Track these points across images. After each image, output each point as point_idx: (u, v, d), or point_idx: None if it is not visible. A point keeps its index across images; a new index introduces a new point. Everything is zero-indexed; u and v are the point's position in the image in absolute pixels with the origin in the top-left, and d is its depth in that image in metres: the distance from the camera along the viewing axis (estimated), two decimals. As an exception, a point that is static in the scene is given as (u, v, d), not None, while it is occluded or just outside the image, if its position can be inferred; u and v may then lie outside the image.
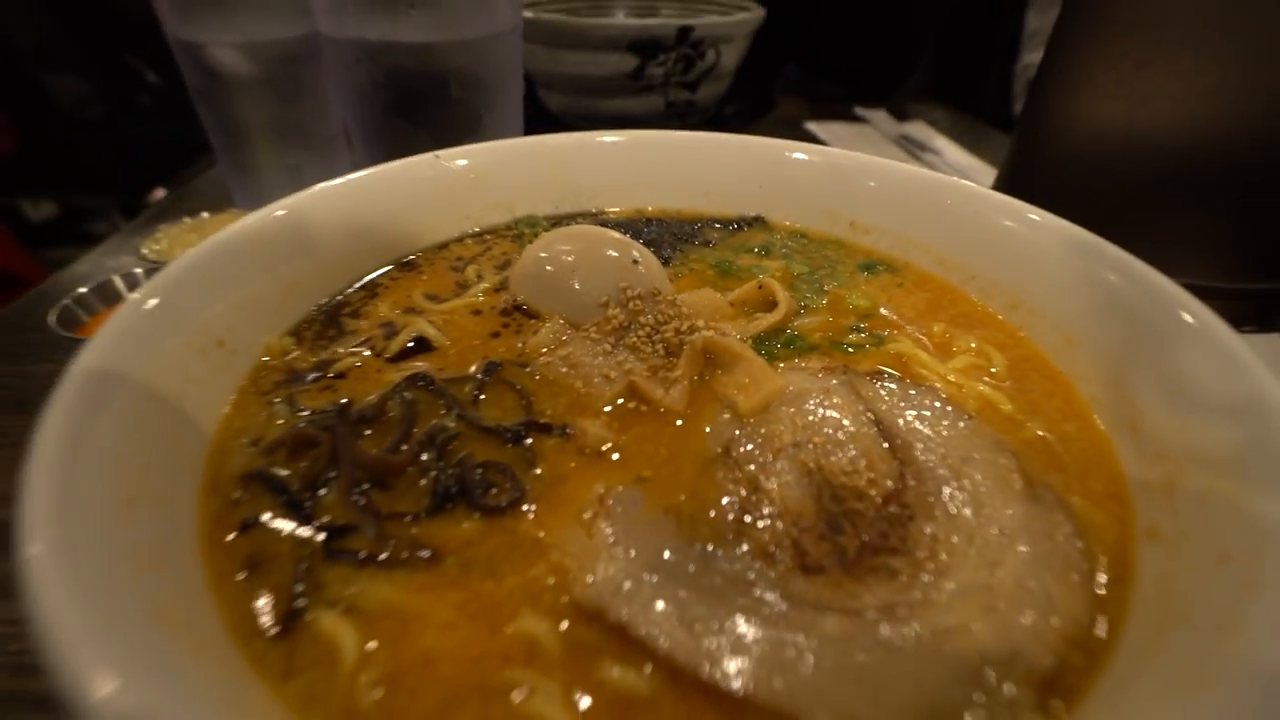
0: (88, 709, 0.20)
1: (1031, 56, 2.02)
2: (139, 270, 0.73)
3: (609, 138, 0.65)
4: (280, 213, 0.50)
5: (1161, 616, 0.29)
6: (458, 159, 0.61)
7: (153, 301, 0.40)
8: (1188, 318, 0.39)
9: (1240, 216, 0.69)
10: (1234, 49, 0.62)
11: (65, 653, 0.21)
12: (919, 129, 1.43)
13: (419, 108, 0.73)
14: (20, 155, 2.22)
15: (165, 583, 0.29)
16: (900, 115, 1.52)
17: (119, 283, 0.73)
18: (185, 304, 0.41)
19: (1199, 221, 0.72)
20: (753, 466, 0.38)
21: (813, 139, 1.40)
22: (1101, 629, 0.30)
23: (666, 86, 1.10)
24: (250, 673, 0.28)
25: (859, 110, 1.53)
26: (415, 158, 0.60)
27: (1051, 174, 0.83)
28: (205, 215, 0.88)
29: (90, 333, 0.67)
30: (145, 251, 0.81)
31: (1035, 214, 0.51)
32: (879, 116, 1.49)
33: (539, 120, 1.05)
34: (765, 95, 1.38)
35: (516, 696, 0.28)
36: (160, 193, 2.86)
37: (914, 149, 1.32)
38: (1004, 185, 0.91)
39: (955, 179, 0.57)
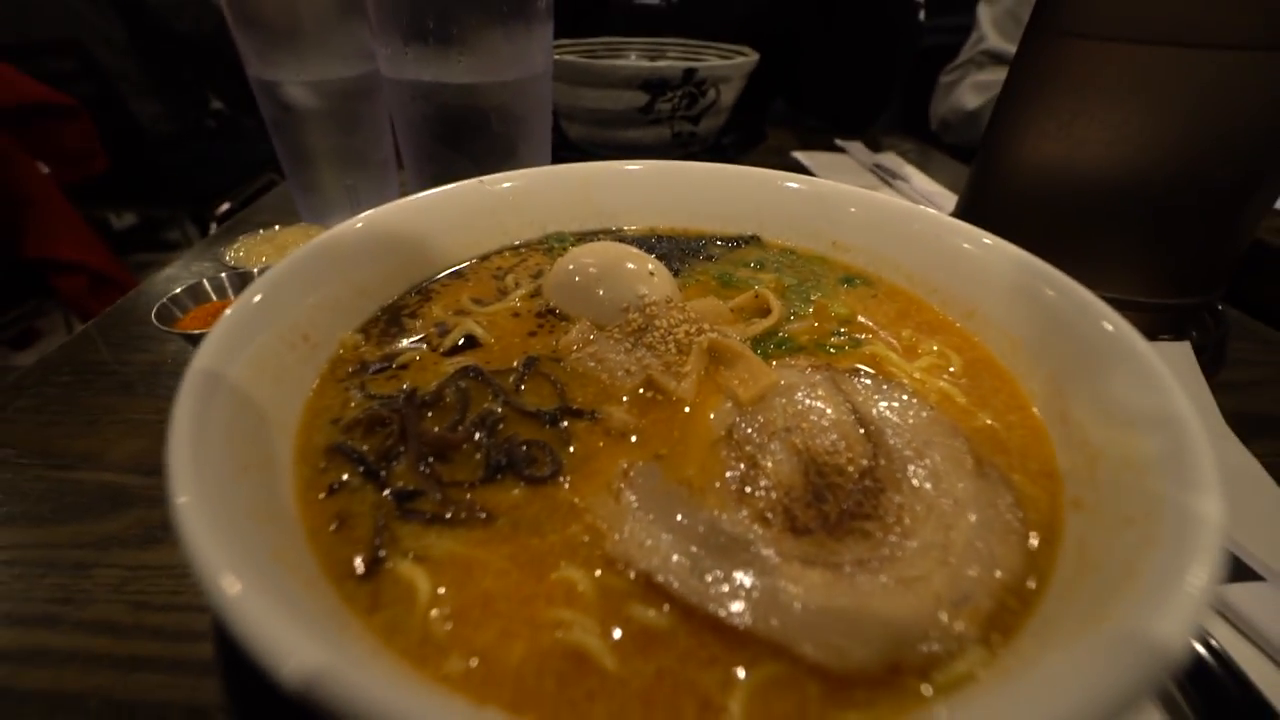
0: (226, 602, 0.23)
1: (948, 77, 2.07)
2: (223, 275, 0.75)
3: (629, 166, 0.67)
4: (358, 225, 0.52)
5: (1079, 568, 0.31)
6: (500, 183, 0.63)
7: (257, 298, 0.42)
8: (1108, 326, 0.41)
9: (1156, 241, 0.72)
10: (1148, 103, 0.65)
11: (208, 567, 0.24)
12: (890, 159, 1.44)
13: (464, 138, 0.75)
14: (109, 172, 2.25)
15: (276, 532, 0.32)
16: (874, 146, 1.54)
17: (207, 285, 0.75)
18: (280, 303, 0.44)
19: (1124, 244, 0.74)
20: (750, 447, 0.40)
21: (799, 166, 1.41)
22: (1033, 581, 0.32)
23: (673, 119, 1.12)
24: (344, 608, 0.31)
25: (838, 141, 1.55)
26: (464, 182, 0.62)
27: (1003, 202, 0.85)
28: (277, 228, 0.90)
29: (184, 327, 0.70)
30: (227, 258, 0.83)
31: (987, 238, 0.53)
32: (856, 147, 1.51)
33: (561, 147, 1.07)
34: (758, 128, 1.40)
35: (560, 630, 0.30)
36: (224, 205, 2.90)
37: (886, 176, 1.34)
38: (962, 211, 0.93)
39: (922, 208, 0.59)
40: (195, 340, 0.68)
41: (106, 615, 0.49)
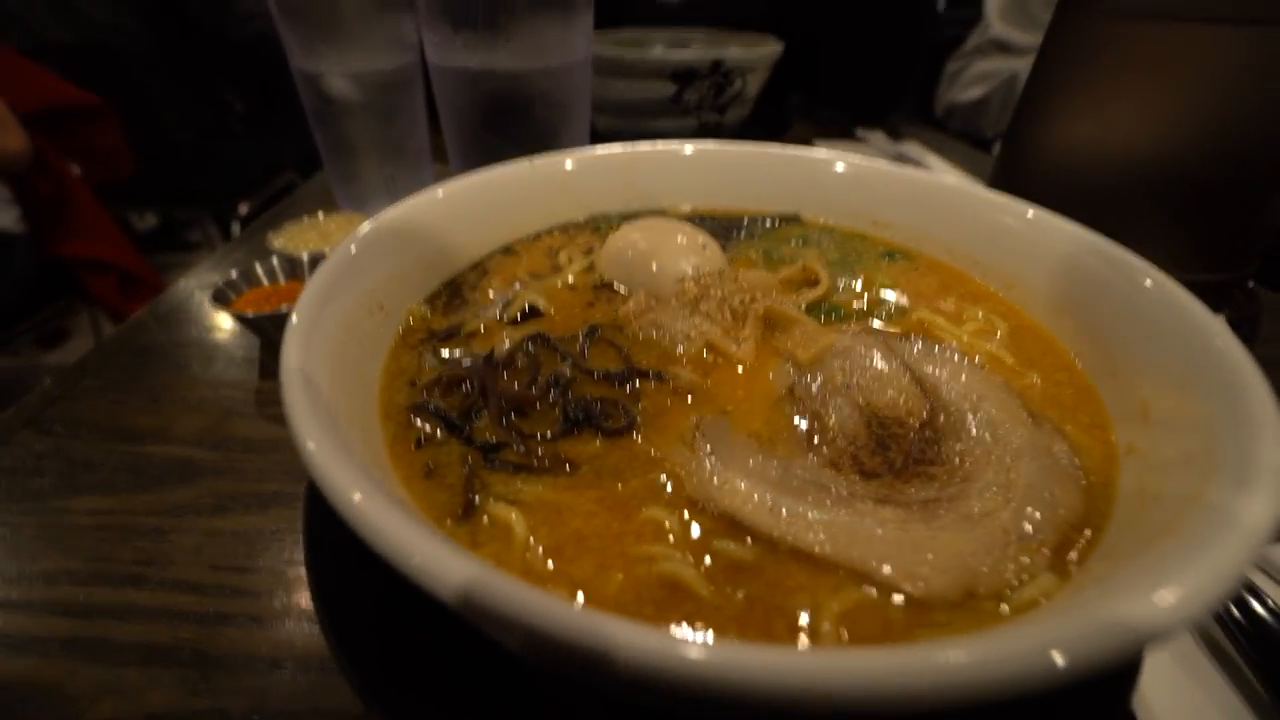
0: (374, 523, 0.25)
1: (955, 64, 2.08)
2: (274, 259, 0.78)
3: (672, 147, 0.69)
4: (437, 194, 0.55)
5: (1139, 503, 0.33)
6: (549, 164, 0.65)
7: (340, 265, 0.44)
8: (1148, 283, 0.43)
9: (1189, 217, 0.73)
10: (1180, 80, 0.66)
11: (339, 490, 0.26)
12: (912, 148, 1.46)
13: (508, 124, 0.77)
14: (134, 174, 2.30)
15: (378, 477, 0.34)
16: (895, 135, 1.56)
17: (259, 269, 0.78)
18: (360, 272, 0.46)
19: (1156, 221, 0.75)
20: (813, 402, 0.42)
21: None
22: (1094, 516, 0.34)
23: (700, 110, 1.14)
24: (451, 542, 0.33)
25: (859, 131, 1.56)
26: (514, 162, 0.64)
27: (1031, 184, 0.86)
28: (320, 215, 0.92)
29: (239, 308, 0.73)
30: (277, 244, 0.85)
31: (1031, 211, 0.55)
32: (877, 137, 1.52)
33: (591, 138, 1.09)
34: (780, 119, 1.42)
35: (653, 563, 0.32)
36: (245, 207, 2.94)
37: (909, 166, 1.36)
38: (994, 185, 0.94)
39: (963, 183, 0.61)
40: (253, 323, 0.70)
41: (187, 576, 0.52)
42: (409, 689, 0.36)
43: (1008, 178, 0.91)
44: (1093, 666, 0.19)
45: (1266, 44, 0.63)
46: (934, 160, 1.39)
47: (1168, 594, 0.22)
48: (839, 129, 1.59)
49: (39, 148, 1.87)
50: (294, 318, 0.37)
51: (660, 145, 0.69)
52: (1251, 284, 0.84)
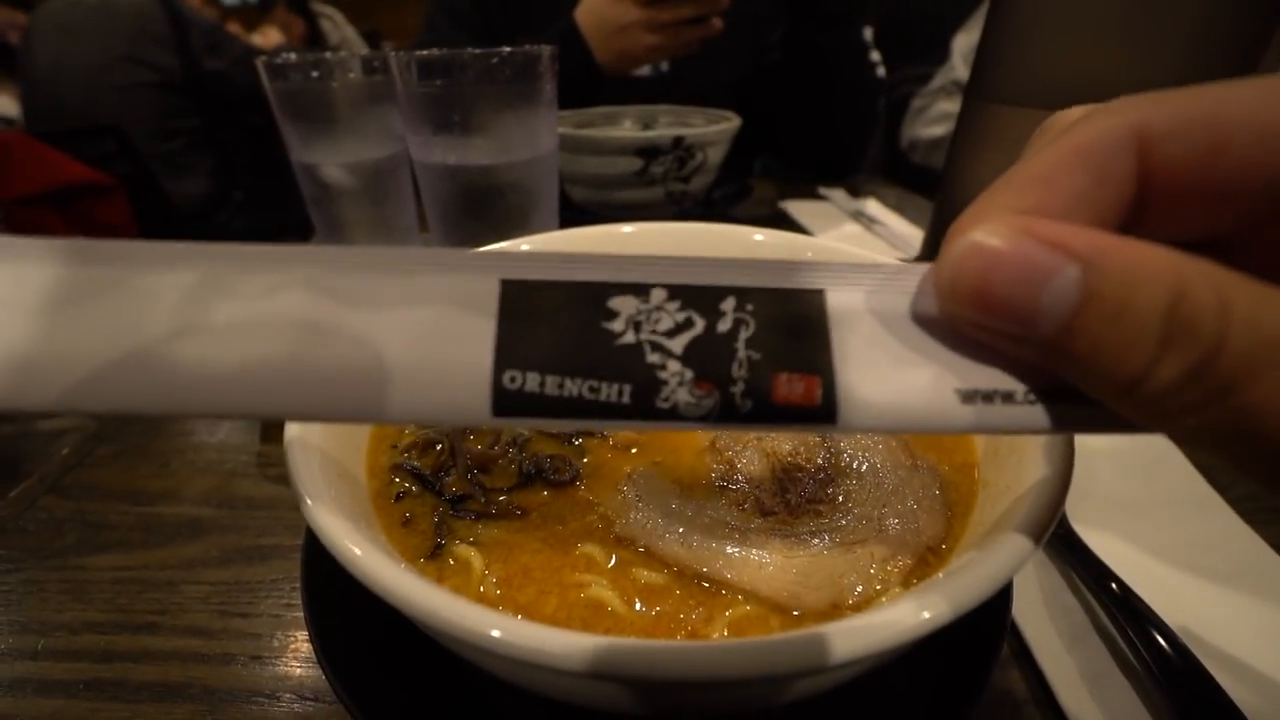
0: (361, 566, 0.33)
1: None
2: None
3: (624, 229, 0.79)
4: None
5: (976, 530, 0.41)
6: (516, 244, 0.75)
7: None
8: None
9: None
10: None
11: (335, 541, 0.34)
12: (871, 205, 1.58)
13: (484, 210, 0.88)
14: (139, 243, 2.42)
15: (364, 527, 0.42)
16: (855, 193, 1.68)
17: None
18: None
19: None
20: (730, 453, 0.50)
21: (786, 215, 1.55)
22: (945, 542, 0.42)
23: (666, 181, 1.26)
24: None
25: (821, 190, 1.69)
26: (490, 246, 0.74)
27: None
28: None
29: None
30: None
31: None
32: (838, 195, 1.65)
33: (566, 208, 1.20)
34: (744, 182, 1.55)
35: (583, 589, 0.40)
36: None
37: (867, 222, 1.48)
38: (927, 246, 1.05)
39: (868, 255, 0.70)
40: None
41: (196, 622, 0.59)
42: (398, 709, 0.44)
43: (939, 231, 1.03)
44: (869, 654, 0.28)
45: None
46: (889, 217, 1.51)
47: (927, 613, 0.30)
48: (802, 188, 1.72)
49: (46, 224, 2.00)
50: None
51: (613, 228, 0.79)
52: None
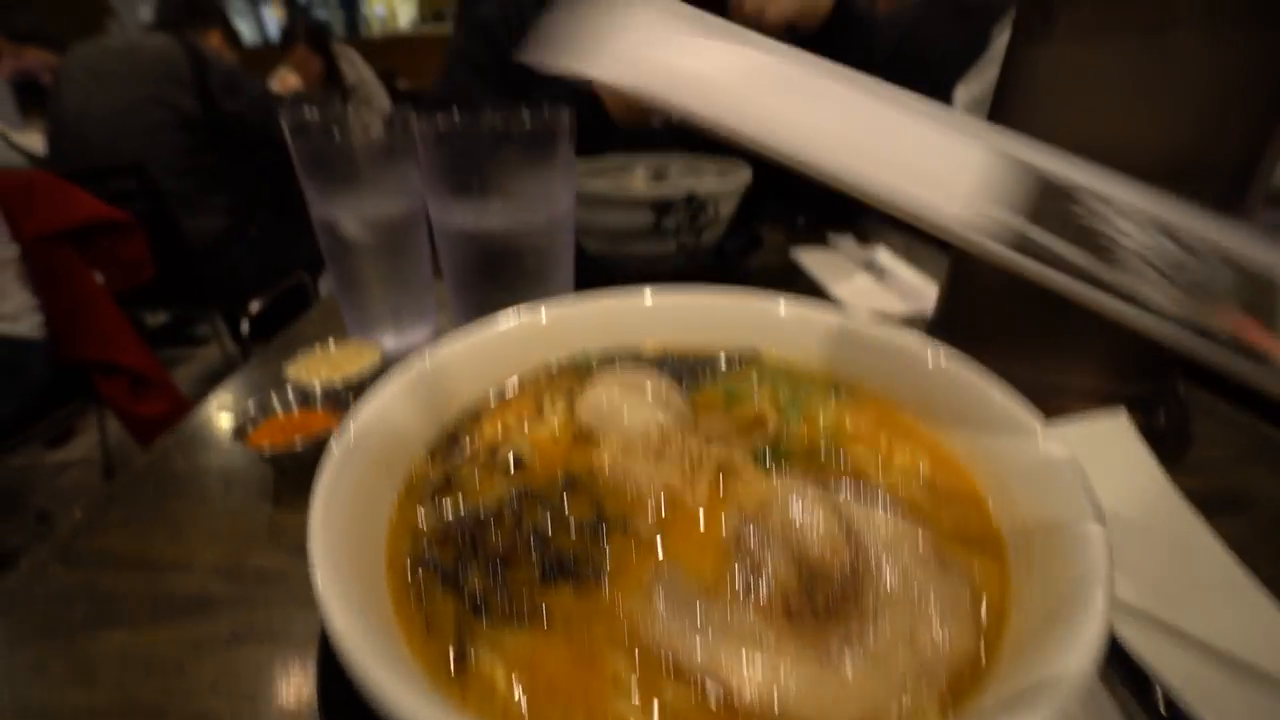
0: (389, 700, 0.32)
1: None
2: (288, 389, 0.88)
3: (646, 296, 0.79)
4: (425, 364, 0.64)
5: (1017, 648, 0.40)
6: (536, 311, 0.76)
7: (351, 443, 0.53)
8: (1040, 445, 0.51)
9: (1112, 335, 0.81)
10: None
11: (362, 669, 0.33)
12: (880, 253, 1.58)
13: (500, 272, 0.88)
14: (153, 279, 2.46)
15: (387, 637, 0.41)
16: (864, 239, 1.69)
17: (275, 400, 0.87)
18: (369, 440, 0.55)
19: (1082, 338, 0.83)
20: (754, 552, 0.49)
21: (797, 266, 1.56)
22: (982, 658, 0.41)
23: (678, 234, 1.26)
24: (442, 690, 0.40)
25: (831, 235, 1.70)
26: (506, 311, 0.74)
27: (975, 303, 0.96)
28: (331, 342, 1.03)
29: (256, 440, 0.81)
30: (291, 375, 0.95)
31: (944, 359, 0.64)
32: (847, 243, 1.66)
33: (580, 260, 1.21)
34: (755, 232, 1.56)
35: (609, 705, 0.39)
36: (255, 304, 3.11)
37: (878, 273, 1.48)
38: (942, 309, 1.05)
39: (894, 332, 0.70)
40: (270, 459, 0.79)
41: (204, 706, 0.58)
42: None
43: (953, 296, 1.02)
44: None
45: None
46: (899, 267, 1.51)
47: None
48: (811, 235, 1.73)
49: (66, 260, 2.02)
50: (314, 504, 0.45)
51: (634, 293, 0.79)
52: (1181, 388, 0.92)
